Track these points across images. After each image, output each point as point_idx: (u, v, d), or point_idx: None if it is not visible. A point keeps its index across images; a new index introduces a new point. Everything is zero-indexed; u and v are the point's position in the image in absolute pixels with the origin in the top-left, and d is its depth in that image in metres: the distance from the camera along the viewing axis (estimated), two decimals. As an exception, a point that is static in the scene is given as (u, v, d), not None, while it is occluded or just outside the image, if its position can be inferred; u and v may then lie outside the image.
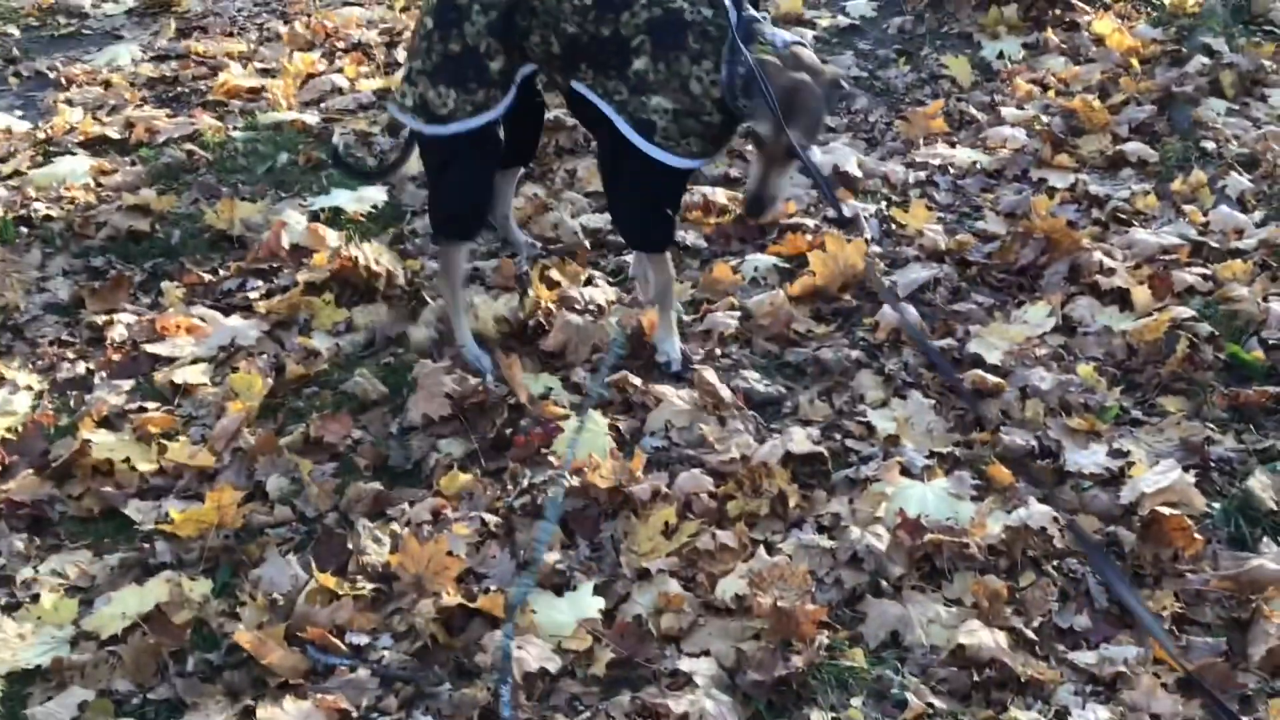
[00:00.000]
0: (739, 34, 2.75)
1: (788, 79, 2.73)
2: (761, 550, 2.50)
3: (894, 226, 3.70)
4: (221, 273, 3.53)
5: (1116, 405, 2.90)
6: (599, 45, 2.83)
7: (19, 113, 4.54)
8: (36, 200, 3.84)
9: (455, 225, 3.10)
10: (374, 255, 3.46)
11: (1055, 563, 2.49)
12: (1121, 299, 3.25)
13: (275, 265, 3.53)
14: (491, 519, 2.61)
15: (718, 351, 3.17)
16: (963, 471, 2.70)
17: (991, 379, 2.95)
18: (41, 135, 4.30)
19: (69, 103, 4.57)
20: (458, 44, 2.83)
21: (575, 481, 2.67)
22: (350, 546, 2.52)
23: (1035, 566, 2.48)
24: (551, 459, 2.75)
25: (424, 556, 2.45)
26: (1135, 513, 2.57)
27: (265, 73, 4.86)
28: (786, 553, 2.50)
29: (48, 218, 3.76)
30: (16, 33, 5.32)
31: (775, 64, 2.74)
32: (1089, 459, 2.72)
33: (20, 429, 2.88)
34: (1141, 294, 3.22)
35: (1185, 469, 2.65)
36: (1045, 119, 4.23)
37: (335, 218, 3.78)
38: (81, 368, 3.11)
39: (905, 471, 2.68)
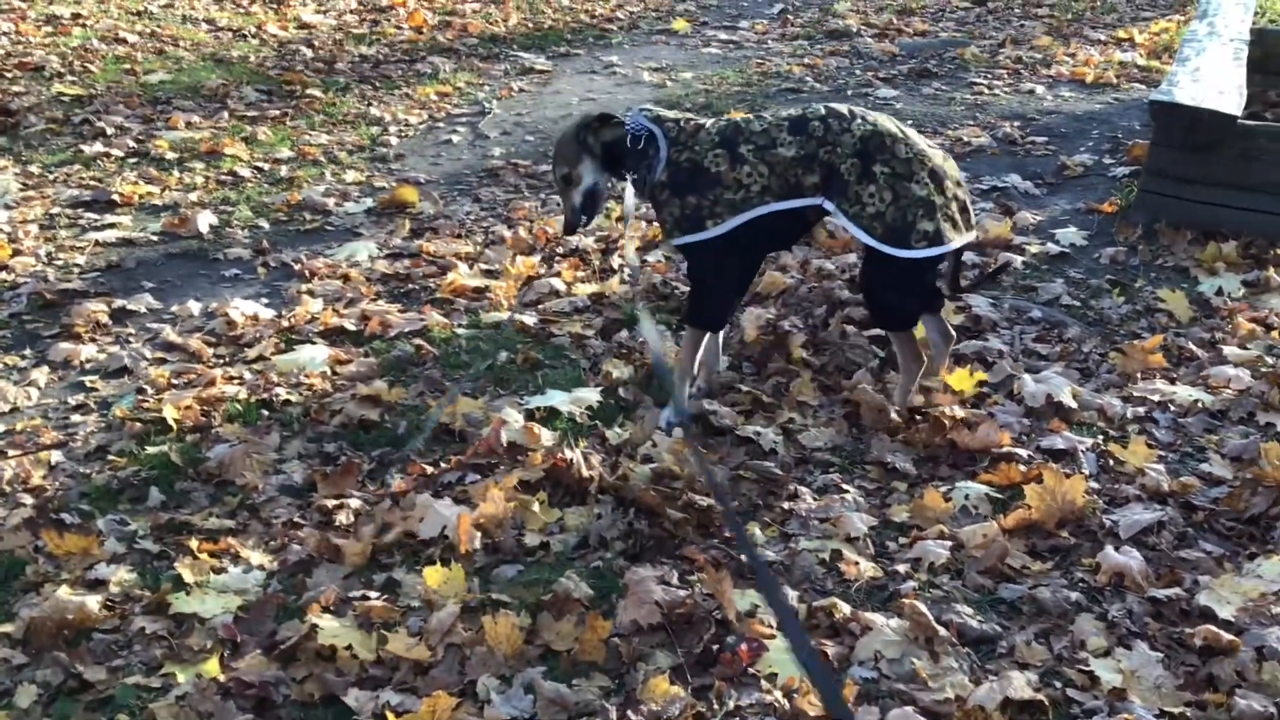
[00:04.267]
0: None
1: None
2: (980, 802, 2.40)
3: (1112, 463, 3.62)
4: (443, 465, 3.68)
5: (1366, 676, 2.71)
6: None
7: (265, 301, 4.90)
8: (278, 385, 4.11)
9: None
10: (586, 457, 3.57)
11: (1304, 847, 2.31)
12: (1366, 559, 3.07)
13: (493, 461, 3.67)
14: (698, 738, 2.58)
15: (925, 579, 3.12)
16: (1196, 735, 2.55)
17: (1225, 636, 2.81)
18: (285, 323, 4.63)
19: (310, 294, 4.93)
20: None
21: (786, 705, 2.63)
22: (559, 756, 2.53)
23: None
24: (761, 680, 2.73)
25: (632, 775, 2.43)
26: (1392, 799, 2.37)
27: (489, 274, 5.15)
28: (1007, 807, 2.39)
29: (287, 402, 4.01)
30: (267, 226, 5.79)
31: None
32: (1338, 733, 2.54)
33: (251, 608, 3.02)
34: (1389, 556, 3.05)
35: None
36: (1270, 360, 4.12)
37: (550, 417, 3.92)
38: (310, 551, 3.26)
39: (1135, 730, 2.55)
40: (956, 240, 3.53)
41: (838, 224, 3.59)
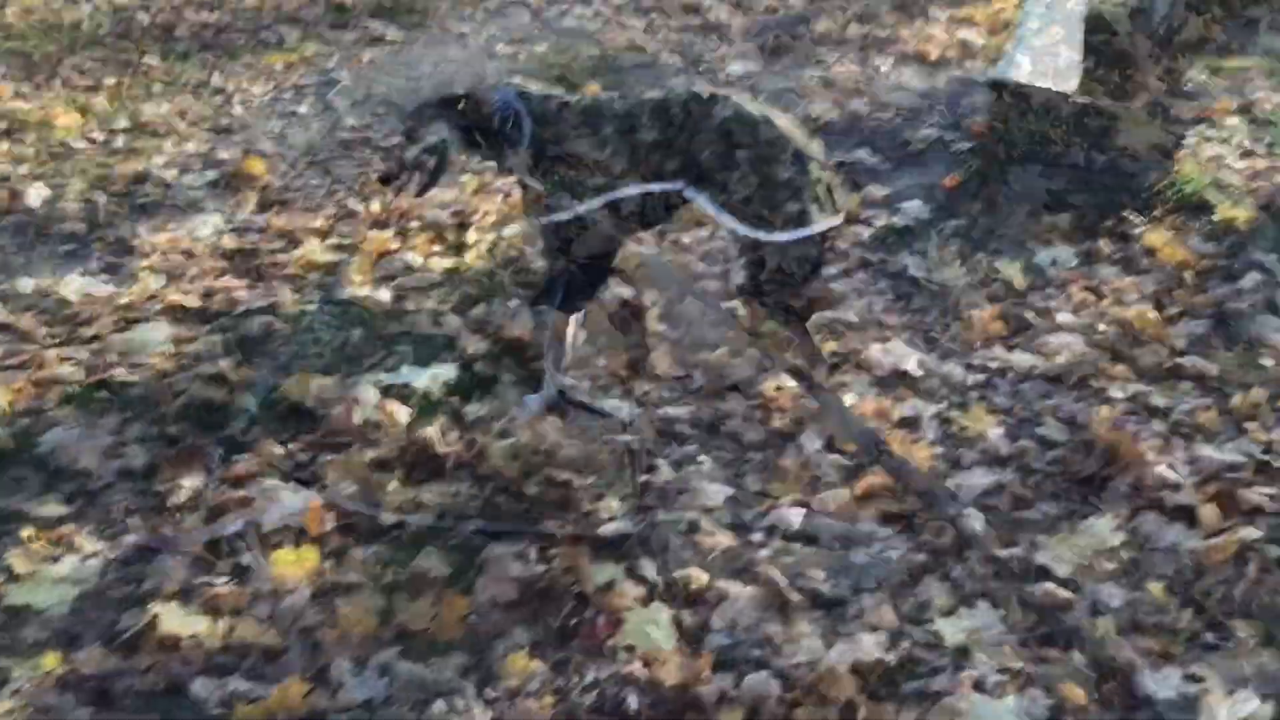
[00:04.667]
0: None
1: None
2: (831, 762, 2.46)
3: (955, 429, 3.74)
4: (293, 446, 3.59)
5: (1188, 628, 2.87)
6: None
7: (102, 277, 4.70)
8: (117, 366, 3.95)
9: None
10: (443, 433, 3.53)
11: (1132, 791, 2.44)
12: (1189, 516, 3.24)
13: (347, 440, 3.60)
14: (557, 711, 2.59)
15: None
16: (1035, 690, 2.66)
17: (1062, 593, 2.94)
18: (124, 301, 4.44)
19: (151, 270, 4.74)
20: None
21: (644, 675, 2.66)
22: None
23: (1112, 794, 2.43)
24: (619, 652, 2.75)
25: (491, 751, 2.43)
26: (1214, 743, 2.52)
27: (341, 249, 5.02)
28: (857, 767, 2.46)
29: (126, 384, 3.86)
30: (103, 199, 5.54)
31: None
32: (1163, 684, 2.67)
33: (89, 598, 2.91)
34: (1209, 512, 3.21)
35: (1263, 699, 2.60)
36: (1103, 328, 4.30)
37: (406, 394, 3.85)
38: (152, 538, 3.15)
39: (978, 686, 2.64)
40: (823, 221, 3.55)
41: (703, 210, 3.58)
